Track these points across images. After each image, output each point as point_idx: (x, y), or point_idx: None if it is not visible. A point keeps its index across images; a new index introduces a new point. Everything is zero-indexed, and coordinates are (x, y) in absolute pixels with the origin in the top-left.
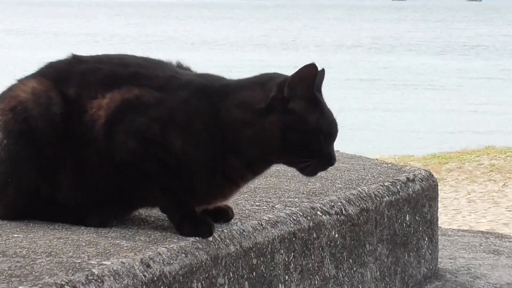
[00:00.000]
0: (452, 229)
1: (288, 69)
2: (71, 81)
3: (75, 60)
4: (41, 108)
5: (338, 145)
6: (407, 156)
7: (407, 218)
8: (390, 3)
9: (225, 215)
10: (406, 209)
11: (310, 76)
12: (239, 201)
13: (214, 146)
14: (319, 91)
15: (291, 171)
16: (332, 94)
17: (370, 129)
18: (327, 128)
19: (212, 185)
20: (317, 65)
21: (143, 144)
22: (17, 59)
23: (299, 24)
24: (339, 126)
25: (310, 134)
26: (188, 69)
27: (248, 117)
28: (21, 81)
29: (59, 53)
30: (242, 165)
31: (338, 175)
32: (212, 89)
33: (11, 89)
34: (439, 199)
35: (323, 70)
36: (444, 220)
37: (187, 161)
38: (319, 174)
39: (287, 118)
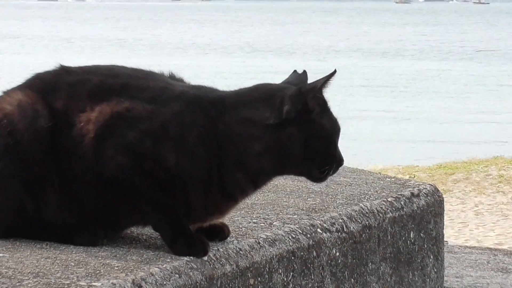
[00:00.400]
0: (459, 245)
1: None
2: (59, 93)
3: (63, 71)
4: (27, 121)
5: (350, 161)
6: (411, 166)
7: (412, 235)
8: (394, 6)
9: (221, 233)
10: (411, 226)
11: (324, 86)
12: (236, 218)
13: (210, 161)
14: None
15: (290, 186)
16: (332, 101)
17: (372, 138)
18: (336, 129)
19: (209, 201)
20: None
21: (134, 159)
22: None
23: (299, 28)
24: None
25: (328, 139)
26: (181, 80)
27: (255, 133)
28: (6, 93)
29: (46, 58)
30: (247, 179)
31: (339, 190)
32: (207, 101)
33: None
34: (445, 211)
35: (305, 72)
36: (451, 233)
37: (181, 176)
38: (321, 185)
39: (309, 128)
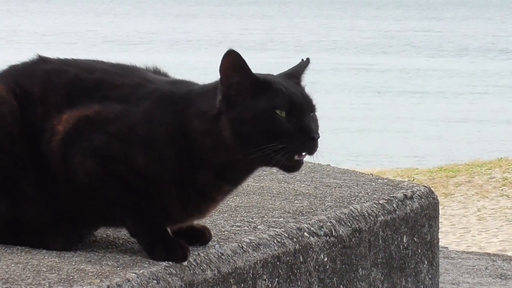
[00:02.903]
0: (456, 251)
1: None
2: (35, 79)
3: (41, 60)
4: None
5: (332, 160)
6: (411, 169)
7: (405, 240)
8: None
9: (202, 237)
10: (403, 230)
11: (236, 64)
12: (218, 222)
13: (180, 159)
14: (294, 78)
15: (276, 188)
16: (327, 101)
17: (369, 139)
18: (287, 101)
19: (186, 202)
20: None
21: (103, 163)
22: None
23: (292, 22)
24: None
25: (262, 116)
26: (165, 75)
27: (205, 126)
28: None
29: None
30: (213, 176)
31: (328, 192)
32: (177, 96)
33: None
34: (446, 216)
35: (307, 60)
36: (452, 240)
37: (153, 178)
38: (310, 186)
39: (233, 114)
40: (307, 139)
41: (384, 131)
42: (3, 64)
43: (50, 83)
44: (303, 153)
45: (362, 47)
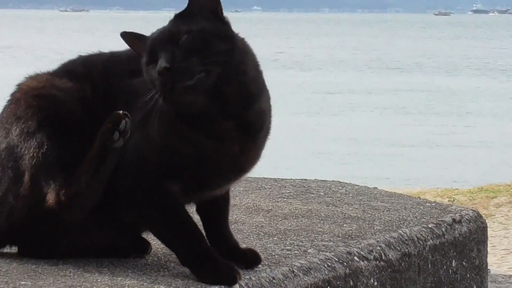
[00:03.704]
0: (503, 275)
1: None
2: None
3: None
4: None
5: (375, 182)
6: (450, 189)
7: (453, 264)
8: (433, 18)
9: (253, 260)
10: (452, 254)
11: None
12: (268, 245)
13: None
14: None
15: (324, 211)
16: (369, 123)
17: (409, 160)
18: (146, 51)
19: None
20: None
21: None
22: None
23: (331, 41)
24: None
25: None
26: None
27: None
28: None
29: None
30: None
31: (376, 215)
32: None
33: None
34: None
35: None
36: (493, 261)
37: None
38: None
39: None
40: (158, 78)
41: (422, 152)
42: None
43: (91, 62)
44: (169, 89)
45: (395, 65)
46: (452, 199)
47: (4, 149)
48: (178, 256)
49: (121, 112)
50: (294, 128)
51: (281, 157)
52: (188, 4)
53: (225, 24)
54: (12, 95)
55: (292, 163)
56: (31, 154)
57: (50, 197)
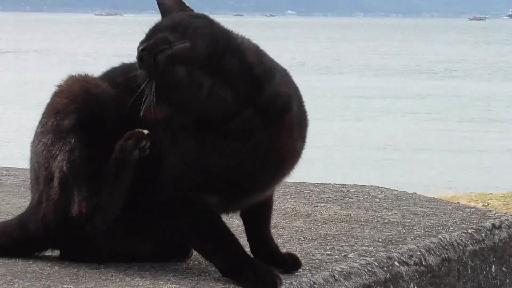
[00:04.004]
0: None
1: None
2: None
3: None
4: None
5: (407, 187)
6: (484, 194)
7: (493, 269)
8: (468, 23)
9: (292, 264)
10: (492, 259)
11: None
12: (309, 250)
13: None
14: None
15: (364, 216)
16: (401, 128)
17: (441, 165)
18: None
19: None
20: None
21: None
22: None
23: (365, 45)
24: None
25: None
26: None
27: None
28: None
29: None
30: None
31: (416, 220)
32: None
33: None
34: None
35: None
36: None
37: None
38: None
39: None
40: (140, 66)
41: (455, 157)
42: None
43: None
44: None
45: (427, 70)
46: (486, 204)
47: (43, 144)
48: (218, 267)
49: (144, 131)
50: (326, 133)
51: (317, 162)
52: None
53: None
54: (58, 86)
55: (327, 168)
56: (62, 157)
57: (74, 208)
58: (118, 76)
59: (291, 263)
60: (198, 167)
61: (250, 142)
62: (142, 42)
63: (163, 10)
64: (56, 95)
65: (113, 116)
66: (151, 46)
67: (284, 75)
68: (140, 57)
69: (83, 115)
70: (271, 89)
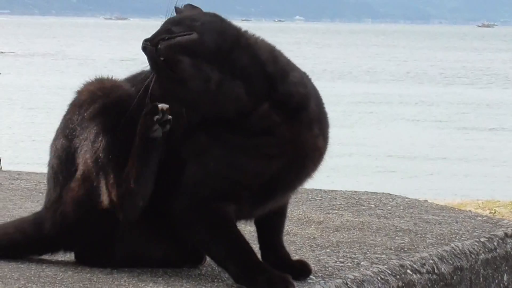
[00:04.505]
0: None
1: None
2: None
3: None
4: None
5: (415, 194)
6: (491, 201)
7: (505, 278)
8: (476, 30)
9: (300, 271)
10: (504, 268)
11: None
12: (321, 257)
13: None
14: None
15: (375, 223)
16: (407, 135)
17: (448, 172)
18: None
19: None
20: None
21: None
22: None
23: (374, 51)
24: None
25: None
26: None
27: None
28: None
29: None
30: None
31: (428, 228)
32: None
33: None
34: None
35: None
36: None
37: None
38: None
39: None
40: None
41: (460, 164)
42: None
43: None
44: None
45: (435, 76)
46: (493, 211)
47: (64, 138)
48: (230, 274)
49: (161, 105)
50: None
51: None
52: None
53: None
54: (78, 90)
55: (337, 174)
56: (85, 148)
57: (102, 198)
58: (139, 84)
59: (301, 270)
60: (220, 174)
61: (271, 138)
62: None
63: None
64: (77, 93)
65: (132, 113)
66: (153, 35)
67: (302, 76)
68: (144, 47)
69: (104, 105)
70: (285, 87)
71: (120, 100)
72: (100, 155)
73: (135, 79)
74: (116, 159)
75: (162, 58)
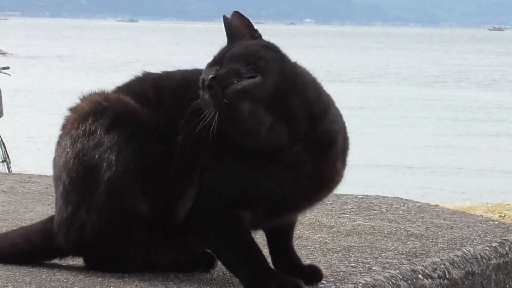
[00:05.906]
0: None
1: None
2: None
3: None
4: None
5: (423, 197)
6: (501, 204)
7: None
8: (487, 33)
9: (311, 276)
10: None
11: None
12: (333, 261)
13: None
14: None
15: (387, 227)
16: (412, 137)
17: (458, 174)
18: None
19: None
20: None
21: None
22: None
23: (382, 53)
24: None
25: None
26: None
27: None
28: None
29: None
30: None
31: (439, 233)
32: None
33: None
34: None
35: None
36: None
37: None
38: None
39: None
40: (208, 93)
41: (469, 163)
42: None
43: (163, 87)
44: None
45: (434, 79)
46: (503, 215)
47: (72, 157)
48: (241, 280)
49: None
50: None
51: None
52: (228, 35)
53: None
54: (71, 109)
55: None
56: (109, 160)
57: (143, 208)
58: (148, 91)
59: (312, 275)
60: (239, 184)
61: (295, 171)
62: (209, 66)
63: (230, 31)
64: (80, 100)
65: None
66: (221, 76)
67: (336, 112)
68: (210, 85)
69: (116, 113)
70: (322, 126)
71: (129, 111)
72: (130, 165)
73: (143, 87)
74: (148, 167)
75: (226, 101)
